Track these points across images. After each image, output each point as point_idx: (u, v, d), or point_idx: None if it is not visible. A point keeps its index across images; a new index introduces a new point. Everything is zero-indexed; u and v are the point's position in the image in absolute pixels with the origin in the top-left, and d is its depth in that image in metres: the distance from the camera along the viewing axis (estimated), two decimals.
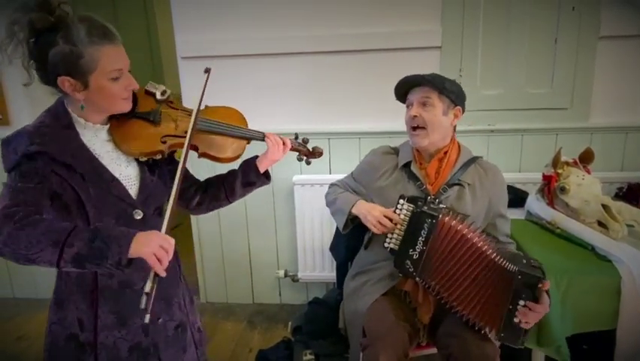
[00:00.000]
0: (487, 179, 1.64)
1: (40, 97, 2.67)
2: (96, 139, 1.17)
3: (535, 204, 2.01)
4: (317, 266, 2.61)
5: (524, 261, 1.43)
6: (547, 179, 1.94)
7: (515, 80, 2.35)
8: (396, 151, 1.77)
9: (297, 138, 1.53)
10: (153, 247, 0.99)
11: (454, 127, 1.67)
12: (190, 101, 2.50)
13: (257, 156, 1.42)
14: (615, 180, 2.31)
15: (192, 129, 1.20)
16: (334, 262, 2.30)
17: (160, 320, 1.28)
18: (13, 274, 2.92)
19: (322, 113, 2.50)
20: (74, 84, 1.08)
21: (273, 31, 2.40)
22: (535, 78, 2.34)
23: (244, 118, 1.41)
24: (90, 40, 1.05)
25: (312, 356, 2.13)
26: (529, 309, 1.38)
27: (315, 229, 2.54)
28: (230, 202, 1.42)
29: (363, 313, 1.57)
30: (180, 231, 2.92)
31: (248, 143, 1.38)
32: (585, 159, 1.95)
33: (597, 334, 1.67)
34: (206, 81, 1.31)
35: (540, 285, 1.37)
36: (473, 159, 1.67)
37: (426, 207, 1.50)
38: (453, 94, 1.59)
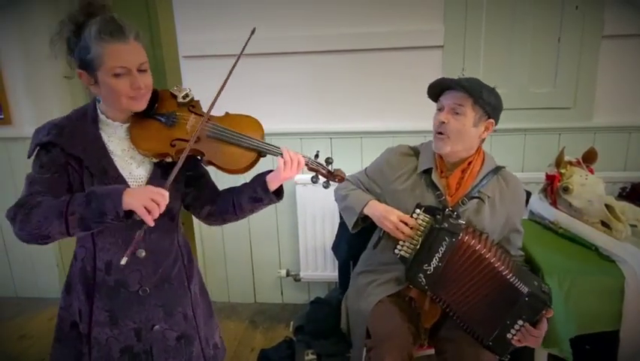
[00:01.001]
0: (508, 193, 1.58)
1: (41, 97, 2.69)
2: (114, 136, 1.21)
3: (538, 204, 2.00)
4: (319, 266, 2.60)
5: (536, 283, 1.41)
6: (550, 179, 1.93)
7: (518, 80, 2.34)
8: (415, 153, 1.68)
9: (317, 156, 1.35)
10: (143, 199, 1.05)
11: (483, 139, 1.59)
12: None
13: (270, 171, 1.32)
14: (618, 179, 2.30)
15: (195, 134, 1.19)
16: (336, 262, 2.30)
17: (156, 327, 1.27)
18: (15, 273, 2.92)
19: (324, 113, 2.49)
20: (88, 78, 1.14)
21: (275, 31, 2.40)
22: (538, 78, 2.33)
23: (262, 129, 1.32)
24: (98, 37, 1.09)
25: (314, 356, 2.12)
26: (526, 330, 1.37)
27: (317, 228, 2.53)
28: (240, 217, 1.35)
29: (367, 314, 1.57)
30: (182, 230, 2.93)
31: (261, 156, 1.29)
32: (588, 158, 1.94)
33: (600, 334, 1.66)
34: (246, 44, 1.31)
35: (544, 311, 1.36)
36: (496, 170, 1.61)
37: (446, 224, 1.44)
38: (489, 106, 1.50)
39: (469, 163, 1.58)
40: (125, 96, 1.14)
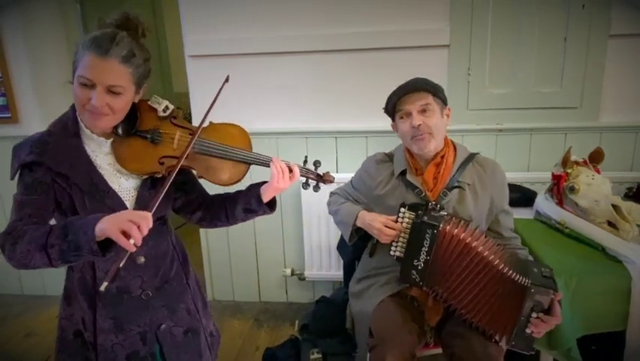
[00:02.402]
0: (487, 176, 1.61)
1: (48, 96, 2.71)
2: (99, 151, 1.18)
3: (545, 203, 2.00)
4: (324, 265, 2.61)
5: (535, 270, 1.40)
6: (556, 178, 1.93)
7: (524, 79, 2.33)
8: (390, 158, 1.73)
9: (305, 162, 1.36)
10: (119, 222, 0.96)
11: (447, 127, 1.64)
12: (198, 101, 2.51)
13: (265, 182, 1.31)
14: (625, 179, 2.29)
15: (184, 153, 1.16)
16: (341, 261, 2.30)
17: (163, 326, 1.28)
18: (21, 271, 2.93)
19: (329, 112, 2.49)
20: (73, 78, 1.12)
21: (280, 30, 2.40)
22: (544, 77, 2.32)
23: (248, 139, 1.29)
24: (86, 44, 1.07)
25: (320, 355, 2.13)
26: (542, 320, 1.36)
27: (322, 227, 2.54)
28: (231, 224, 1.36)
29: (370, 314, 1.57)
30: (187, 229, 2.94)
31: (249, 166, 1.28)
32: (595, 158, 1.93)
33: (606, 335, 1.65)
34: (218, 93, 1.27)
35: (552, 297, 1.35)
36: (470, 157, 1.64)
37: (426, 217, 1.47)
38: (442, 94, 1.58)
39: (442, 157, 1.61)
40: (82, 106, 1.10)
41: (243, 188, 1.35)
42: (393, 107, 1.61)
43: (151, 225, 0.99)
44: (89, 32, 1.11)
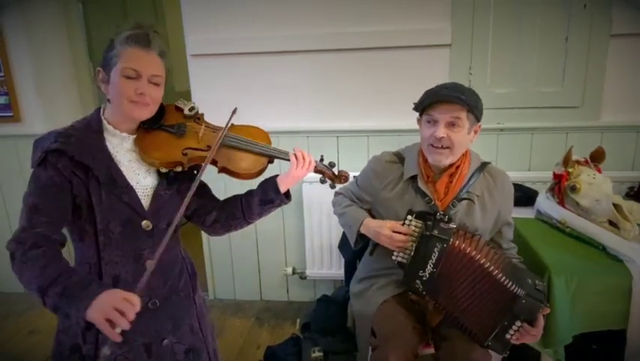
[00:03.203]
0: (496, 189, 1.58)
1: (50, 95, 2.72)
2: (120, 147, 1.21)
3: (546, 203, 2.00)
4: (325, 264, 2.61)
5: (529, 281, 1.42)
6: (557, 178, 1.93)
7: (525, 79, 2.33)
8: (400, 159, 1.67)
9: (322, 160, 1.43)
10: (105, 309, 0.98)
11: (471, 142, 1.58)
12: (199, 100, 2.51)
13: (277, 175, 1.35)
14: (626, 179, 2.29)
15: (219, 139, 1.23)
16: (342, 260, 2.31)
17: (165, 341, 1.26)
18: None
19: (331, 112, 2.50)
20: (103, 76, 1.17)
21: (282, 29, 2.41)
22: (545, 76, 2.32)
23: (268, 137, 1.37)
24: (124, 41, 1.13)
25: (321, 353, 2.13)
26: (524, 329, 1.39)
27: (323, 226, 2.54)
28: (248, 222, 1.36)
29: (372, 314, 1.57)
30: (189, 229, 2.94)
31: (270, 162, 1.34)
32: (596, 157, 1.93)
33: (607, 334, 1.66)
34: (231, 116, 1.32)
35: (540, 310, 1.38)
36: (482, 167, 1.60)
37: (436, 231, 1.44)
38: (479, 112, 1.48)
39: (457, 167, 1.57)
40: (127, 99, 1.14)
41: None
42: (424, 107, 1.52)
43: (138, 309, 1.01)
44: (123, 30, 1.16)
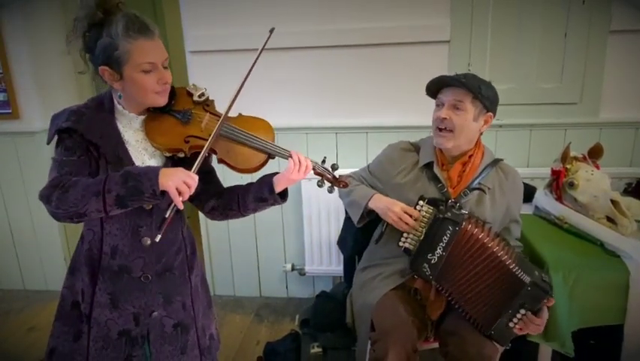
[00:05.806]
0: (507, 184, 1.63)
1: (49, 91, 2.71)
2: (129, 127, 1.24)
3: (544, 199, 2.00)
4: (324, 260, 2.62)
5: (537, 273, 1.44)
6: (555, 174, 1.93)
7: (524, 75, 2.34)
8: (416, 148, 1.71)
9: (324, 162, 1.40)
10: (177, 181, 1.10)
11: (482, 132, 1.61)
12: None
13: (277, 173, 1.35)
14: (624, 175, 2.30)
15: (215, 133, 1.23)
16: (341, 256, 2.31)
17: (155, 313, 1.31)
18: (23, 266, 2.95)
19: (330, 108, 2.49)
20: (112, 74, 1.17)
21: (281, 26, 2.37)
22: (544, 73, 2.32)
23: (273, 133, 1.35)
24: (125, 34, 1.12)
25: (320, 349, 2.14)
26: (527, 318, 1.41)
27: (322, 222, 2.54)
28: (243, 214, 1.37)
29: (372, 307, 1.58)
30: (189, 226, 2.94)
31: (270, 158, 1.32)
32: (594, 154, 1.94)
33: (604, 329, 1.67)
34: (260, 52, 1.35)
35: (545, 300, 1.39)
36: (495, 162, 1.64)
37: (449, 214, 1.47)
38: (487, 100, 1.52)
39: (470, 156, 1.61)
40: (152, 92, 1.18)
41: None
42: (434, 93, 1.61)
43: (196, 185, 1.13)
44: (124, 21, 1.13)
